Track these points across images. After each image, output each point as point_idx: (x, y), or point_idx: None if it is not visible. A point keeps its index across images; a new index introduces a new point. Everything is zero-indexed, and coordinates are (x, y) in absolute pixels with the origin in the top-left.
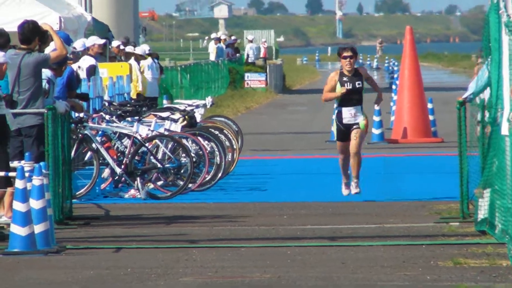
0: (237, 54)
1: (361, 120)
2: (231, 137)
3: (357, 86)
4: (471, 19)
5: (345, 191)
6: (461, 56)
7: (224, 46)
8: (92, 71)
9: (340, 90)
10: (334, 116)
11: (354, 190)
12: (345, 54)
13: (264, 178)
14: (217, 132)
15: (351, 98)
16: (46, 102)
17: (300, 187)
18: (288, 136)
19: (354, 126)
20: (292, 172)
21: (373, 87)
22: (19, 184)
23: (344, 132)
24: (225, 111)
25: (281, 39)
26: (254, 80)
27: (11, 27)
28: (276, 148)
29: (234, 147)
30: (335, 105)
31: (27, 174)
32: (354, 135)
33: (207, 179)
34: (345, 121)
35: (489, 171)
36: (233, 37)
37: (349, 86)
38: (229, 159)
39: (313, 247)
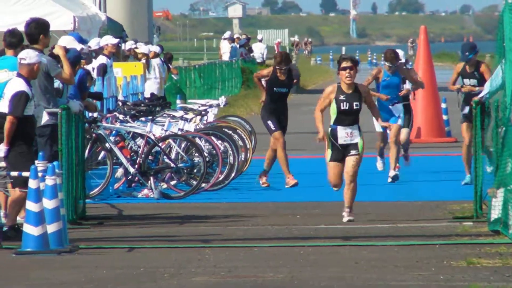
0: (251, 54)
1: (359, 143)
2: (244, 137)
3: (355, 108)
4: (485, 19)
5: (346, 219)
6: None
7: (238, 46)
8: (102, 70)
9: (320, 136)
10: (328, 134)
11: (345, 218)
12: (344, 64)
13: (278, 178)
14: (230, 132)
15: (347, 119)
16: (60, 101)
17: (314, 186)
18: (302, 136)
19: (352, 152)
20: (306, 172)
21: (371, 110)
22: (32, 184)
23: (339, 151)
24: (239, 110)
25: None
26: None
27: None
28: (289, 148)
29: (248, 146)
30: (330, 122)
31: (40, 174)
32: (351, 162)
33: (220, 178)
34: (340, 141)
35: (503, 171)
36: (244, 36)
37: (345, 106)
38: (243, 159)
39: (326, 247)
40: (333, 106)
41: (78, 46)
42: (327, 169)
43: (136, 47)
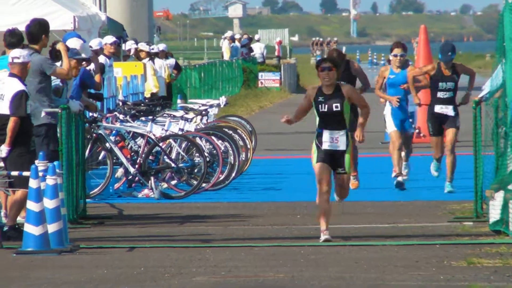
0: (251, 53)
1: (343, 149)
2: (245, 137)
3: (334, 109)
4: (485, 18)
5: (323, 238)
6: (475, 55)
7: (239, 46)
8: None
9: (284, 118)
10: (314, 137)
11: (323, 237)
12: (323, 65)
13: (278, 178)
14: (231, 132)
15: (330, 122)
16: (59, 101)
17: (314, 186)
18: (302, 136)
19: (339, 170)
20: (306, 172)
21: (360, 111)
22: (33, 183)
23: (325, 154)
24: (239, 110)
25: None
26: (268, 79)
27: (25, 26)
28: (290, 148)
29: (248, 146)
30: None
31: (41, 174)
32: (339, 183)
33: (220, 178)
34: (324, 146)
35: (504, 171)
36: (246, 36)
37: (323, 108)
38: (243, 159)
39: (326, 247)
40: (314, 108)
41: (87, 52)
42: (314, 171)
43: (141, 49)
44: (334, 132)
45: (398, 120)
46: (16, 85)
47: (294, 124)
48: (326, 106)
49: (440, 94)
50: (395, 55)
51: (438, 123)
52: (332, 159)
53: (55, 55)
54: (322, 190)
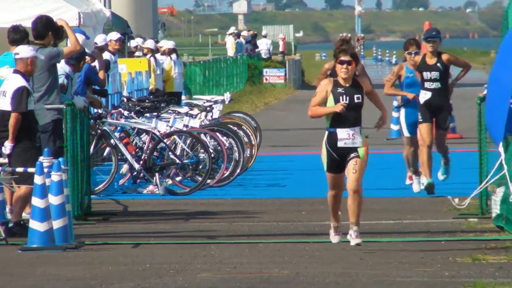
0: (256, 50)
1: (360, 146)
2: (249, 133)
3: (356, 101)
4: (490, 15)
5: (334, 238)
6: (479, 52)
7: (244, 42)
8: (105, 66)
9: (335, 106)
10: (324, 140)
11: (353, 241)
12: (342, 57)
13: (283, 174)
14: (235, 128)
15: (347, 117)
16: (64, 97)
17: (319, 183)
18: (307, 132)
19: (352, 155)
20: (311, 168)
21: (376, 105)
22: (37, 179)
23: (337, 161)
24: (244, 106)
25: (300, 34)
26: (273, 75)
27: (29, 23)
28: (294, 144)
29: (253, 143)
30: (326, 125)
31: (46, 170)
32: (352, 166)
33: (225, 175)
34: (340, 144)
35: (508, 167)
36: (250, 33)
37: (345, 100)
38: (248, 155)
39: (331, 243)
40: (330, 101)
41: (89, 48)
42: (327, 176)
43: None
44: (348, 130)
45: (413, 122)
46: (17, 81)
47: (297, 120)
48: (348, 97)
49: (426, 85)
50: (410, 53)
51: (430, 112)
52: (346, 154)
53: (58, 34)
54: (334, 193)
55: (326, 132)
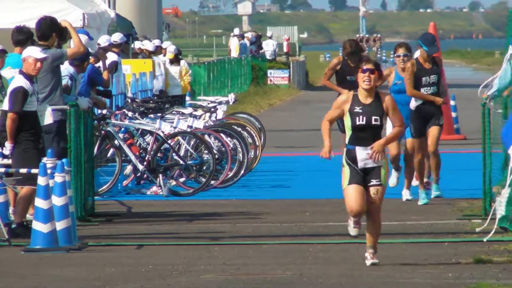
0: (260, 51)
1: (382, 165)
2: (253, 134)
3: (373, 123)
4: (495, 16)
5: (353, 230)
6: (484, 52)
7: (248, 43)
8: (114, 67)
9: (322, 151)
10: (343, 156)
11: (369, 261)
12: (364, 66)
13: (287, 175)
14: (239, 129)
15: (366, 136)
16: (68, 98)
17: (323, 184)
18: (311, 133)
19: (373, 182)
20: (315, 169)
21: (392, 123)
22: (41, 181)
23: (360, 175)
24: (248, 107)
25: (305, 35)
26: (277, 76)
27: (33, 24)
28: (299, 145)
29: (257, 144)
30: (346, 141)
31: (49, 171)
32: (373, 195)
33: (229, 176)
34: (360, 164)
35: None
36: (254, 34)
37: (361, 121)
38: (252, 156)
39: (335, 245)
40: (348, 120)
41: (92, 49)
42: (344, 195)
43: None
44: (369, 148)
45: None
46: (17, 82)
47: (301, 121)
48: (365, 118)
49: (423, 90)
50: (398, 56)
51: (423, 123)
52: (367, 172)
53: (62, 36)
54: (356, 212)
55: (345, 149)
